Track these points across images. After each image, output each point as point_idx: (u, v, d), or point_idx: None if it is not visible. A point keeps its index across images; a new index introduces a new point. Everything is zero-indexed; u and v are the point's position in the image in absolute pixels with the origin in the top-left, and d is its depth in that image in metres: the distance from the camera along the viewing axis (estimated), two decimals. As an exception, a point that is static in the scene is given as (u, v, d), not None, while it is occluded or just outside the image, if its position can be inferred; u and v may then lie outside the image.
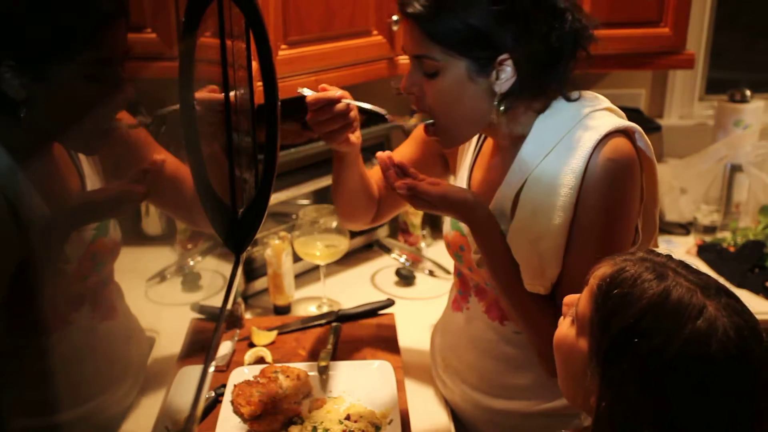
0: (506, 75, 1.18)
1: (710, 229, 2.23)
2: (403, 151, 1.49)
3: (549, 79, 1.20)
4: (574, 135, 1.19)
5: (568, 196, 1.17)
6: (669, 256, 0.93)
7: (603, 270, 0.93)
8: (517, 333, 1.34)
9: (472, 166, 1.37)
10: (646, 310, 0.86)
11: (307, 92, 1.27)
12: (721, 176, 2.27)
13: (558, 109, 1.23)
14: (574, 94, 1.24)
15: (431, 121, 1.25)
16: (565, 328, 0.97)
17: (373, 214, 1.51)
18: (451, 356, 1.47)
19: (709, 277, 0.91)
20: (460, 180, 1.38)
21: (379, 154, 1.26)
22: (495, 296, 1.35)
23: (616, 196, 1.18)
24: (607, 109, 1.24)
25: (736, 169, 2.24)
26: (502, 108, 1.20)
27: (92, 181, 0.81)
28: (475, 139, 1.38)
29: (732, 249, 2.11)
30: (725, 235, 2.20)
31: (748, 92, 2.28)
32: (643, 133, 1.23)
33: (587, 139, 1.17)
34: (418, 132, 1.42)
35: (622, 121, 1.21)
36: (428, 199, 1.20)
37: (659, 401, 0.84)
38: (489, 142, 1.36)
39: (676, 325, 0.84)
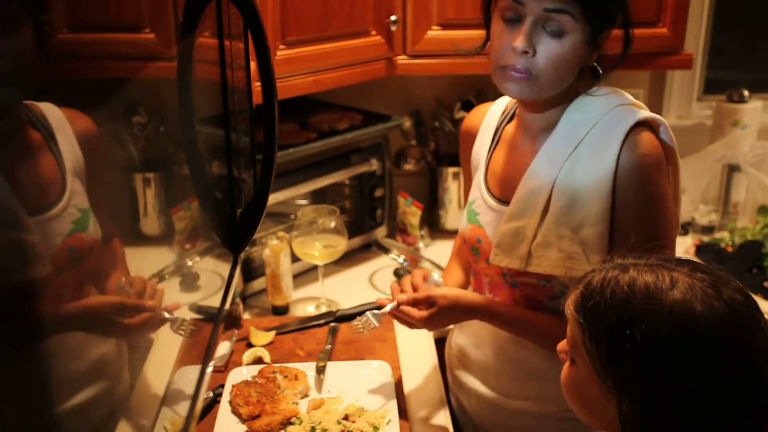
0: (600, 50, 1.22)
1: (708, 229, 2.23)
2: None
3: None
4: (604, 126, 1.23)
5: (605, 184, 1.21)
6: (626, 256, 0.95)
7: (572, 296, 0.95)
8: None
9: (490, 157, 1.39)
10: (622, 304, 0.87)
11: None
12: (719, 176, 2.27)
13: (586, 101, 1.26)
14: (603, 89, 1.28)
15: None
16: (566, 370, 0.98)
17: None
18: (467, 355, 1.47)
19: (663, 254, 0.92)
20: (478, 174, 1.40)
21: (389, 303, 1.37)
22: (509, 293, 1.36)
23: (648, 187, 1.21)
24: (634, 104, 1.27)
25: (734, 169, 2.24)
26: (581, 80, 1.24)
27: (69, 159, 0.80)
28: (492, 129, 1.40)
29: (730, 249, 2.11)
30: (723, 235, 2.20)
31: (746, 92, 2.27)
32: (669, 126, 1.26)
33: (618, 127, 1.21)
34: None
35: (647, 113, 1.24)
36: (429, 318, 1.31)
37: (669, 382, 0.84)
38: (506, 131, 1.38)
39: (655, 303, 0.85)
